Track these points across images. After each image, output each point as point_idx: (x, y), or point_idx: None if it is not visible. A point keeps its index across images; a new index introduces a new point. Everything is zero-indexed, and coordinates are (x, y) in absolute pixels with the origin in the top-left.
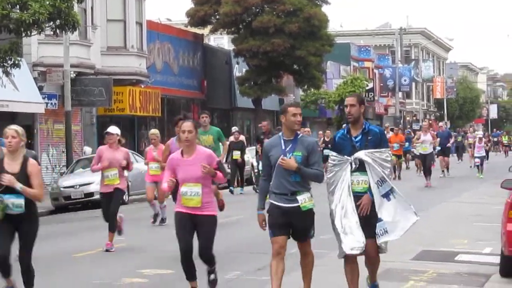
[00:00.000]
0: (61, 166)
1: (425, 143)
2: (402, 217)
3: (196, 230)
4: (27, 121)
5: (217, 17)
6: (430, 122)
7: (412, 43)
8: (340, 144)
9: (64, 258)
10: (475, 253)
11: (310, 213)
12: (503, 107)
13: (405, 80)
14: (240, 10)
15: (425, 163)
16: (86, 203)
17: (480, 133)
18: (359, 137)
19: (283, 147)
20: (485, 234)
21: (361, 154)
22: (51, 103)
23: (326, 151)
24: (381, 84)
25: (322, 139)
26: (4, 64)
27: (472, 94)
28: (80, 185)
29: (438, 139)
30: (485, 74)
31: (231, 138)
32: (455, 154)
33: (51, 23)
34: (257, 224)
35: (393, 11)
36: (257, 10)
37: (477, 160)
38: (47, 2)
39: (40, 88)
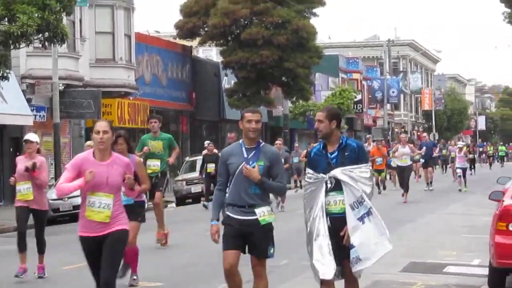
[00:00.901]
0: (49, 178)
1: (404, 155)
2: (376, 243)
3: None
4: (16, 134)
5: (206, 29)
6: (418, 133)
7: (400, 55)
8: (315, 160)
9: (54, 271)
10: (464, 264)
11: (269, 228)
12: (491, 118)
13: (393, 92)
14: (228, 22)
15: (403, 176)
16: (74, 215)
17: (460, 143)
18: (335, 153)
19: (245, 155)
20: (474, 245)
21: (337, 172)
22: (40, 115)
23: None
24: (370, 96)
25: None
26: None
27: (460, 105)
28: (69, 198)
29: (424, 148)
30: (473, 85)
31: (205, 151)
32: (437, 166)
33: (40, 35)
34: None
35: (381, 23)
36: (246, 22)
37: (459, 170)
38: (36, 15)
39: (29, 101)
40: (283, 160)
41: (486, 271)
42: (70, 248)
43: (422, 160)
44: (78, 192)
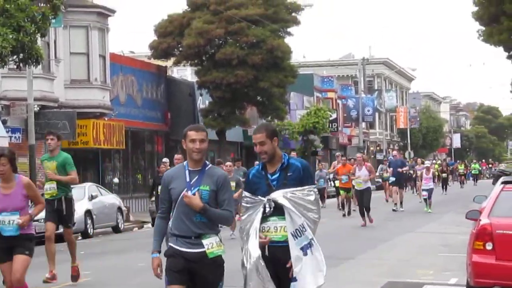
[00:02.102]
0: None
1: (360, 178)
2: (312, 278)
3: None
4: None
5: (180, 49)
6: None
7: (375, 73)
8: (254, 182)
9: None
10: (441, 284)
11: (218, 262)
12: (466, 136)
13: (368, 110)
14: (203, 42)
15: (361, 201)
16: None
17: (427, 163)
18: (277, 174)
19: (188, 179)
20: (451, 264)
21: (277, 195)
22: (15, 137)
23: None
24: (345, 115)
25: None
26: None
27: (435, 123)
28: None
29: (391, 169)
30: (448, 103)
31: (156, 171)
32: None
33: (15, 56)
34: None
35: (355, 41)
36: (220, 42)
37: (424, 193)
38: (10, 36)
39: (4, 122)
40: (234, 184)
41: None
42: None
43: (392, 179)
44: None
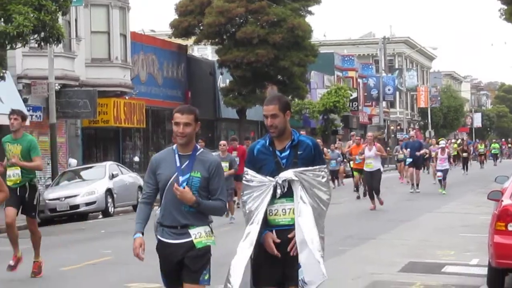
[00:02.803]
0: (46, 178)
1: (369, 159)
2: (318, 267)
3: None
4: None
5: (201, 28)
6: (414, 131)
7: (396, 52)
8: (259, 159)
9: (52, 272)
10: (462, 264)
11: (205, 251)
12: (487, 115)
13: (389, 90)
14: (224, 20)
15: (371, 183)
16: (71, 215)
17: (442, 143)
18: (287, 152)
19: (178, 164)
20: (472, 245)
21: (289, 175)
22: (36, 116)
23: None
24: (365, 94)
25: None
26: None
27: (456, 102)
28: (66, 198)
29: (408, 150)
30: (468, 82)
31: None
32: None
33: (36, 35)
34: (239, 237)
35: (376, 20)
36: (241, 20)
37: (439, 174)
38: (32, 15)
39: (25, 101)
40: (228, 165)
41: (484, 271)
42: (67, 248)
43: (409, 160)
44: (76, 192)
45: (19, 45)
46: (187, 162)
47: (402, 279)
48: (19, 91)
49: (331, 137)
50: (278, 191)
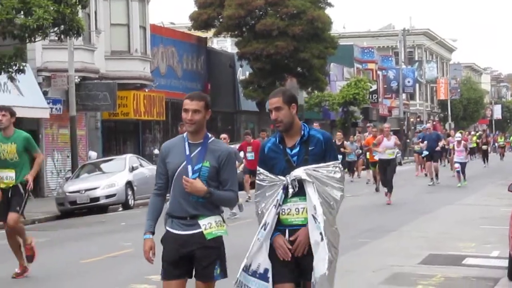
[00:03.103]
0: (66, 171)
1: (388, 149)
2: (326, 268)
3: None
4: (32, 126)
5: (221, 20)
6: (434, 123)
7: (416, 44)
8: (270, 158)
9: (72, 264)
10: (483, 256)
11: (216, 243)
12: (507, 107)
13: (408, 82)
14: (243, 13)
15: (385, 173)
16: (91, 208)
17: (458, 135)
18: (297, 149)
19: (188, 152)
20: (492, 237)
21: (300, 173)
22: (56, 108)
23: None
24: (385, 86)
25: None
26: (9, 69)
27: (476, 94)
28: (86, 190)
29: (425, 142)
30: (488, 74)
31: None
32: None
33: (56, 28)
34: None
35: (396, 12)
36: (261, 13)
37: (457, 165)
38: (51, 8)
39: (45, 93)
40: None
41: (505, 263)
42: (88, 241)
43: (425, 152)
44: (96, 185)
45: (39, 38)
46: (197, 151)
47: (422, 271)
48: (39, 84)
49: (351, 129)
50: (290, 190)
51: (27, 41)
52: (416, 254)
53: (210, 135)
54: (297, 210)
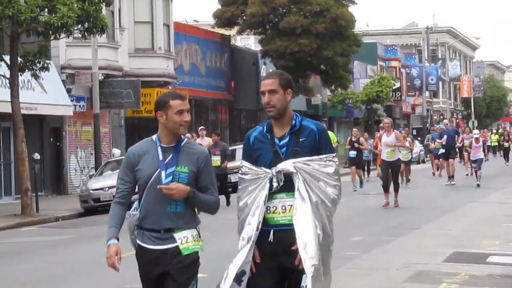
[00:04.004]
0: (89, 168)
1: (389, 147)
2: (323, 273)
3: None
4: (56, 124)
5: (244, 18)
6: (457, 121)
7: (439, 42)
8: (256, 148)
9: (95, 262)
10: (507, 254)
11: (192, 259)
12: None
13: (432, 79)
14: (267, 10)
15: (387, 175)
16: None
17: (476, 132)
18: (286, 139)
19: (161, 157)
20: None
21: (287, 166)
22: (80, 106)
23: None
24: (408, 84)
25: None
26: (33, 67)
27: (500, 92)
28: (109, 187)
29: (445, 137)
30: None
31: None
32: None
33: (80, 26)
34: None
35: (419, 10)
36: (284, 10)
37: (474, 165)
38: (76, 5)
39: (69, 91)
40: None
41: None
42: None
43: (441, 150)
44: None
45: (63, 35)
46: (171, 155)
47: (446, 269)
48: (63, 81)
49: (374, 126)
50: (274, 184)
51: (51, 38)
52: (440, 252)
53: (183, 136)
54: (283, 207)
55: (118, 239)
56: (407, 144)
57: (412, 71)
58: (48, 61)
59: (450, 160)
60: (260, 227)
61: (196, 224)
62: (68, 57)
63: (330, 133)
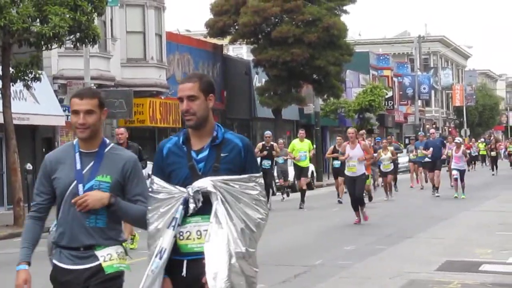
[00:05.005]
0: None
1: (352, 161)
2: None
3: None
4: (48, 134)
5: (236, 27)
6: (450, 129)
7: (431, 51)
8: (170, 163)
9: None
10: (500, 263)
11: (116, 275)
12: None
13: (424, 88)
14: (259, 20)
15: (353, 191)
16: None
17: (458, 139)
18: (205, 153)
19: (79, 166)
20: (509, 243)
21: (206, 184)
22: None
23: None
24: (401, 93)
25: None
26: (25, 77)
27: (492, 101)
28: None
29: (431, 149)
30: (504, 81)
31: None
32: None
33: (72, 36)
34: (283, 235)
35: (411, 19)
36: (276, 20)
37: (454, 172)
38: (68, 16)
39: (61, 101)
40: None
41: None
42: None
43: (427, 159)
44: None
45: (55, 46)
46: (91, 164)
47: (439, 278)
48: (55, 91)
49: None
50: (191, 206)
51: (43, 49)
52: (432, 261)
53: (108, 141)
54: (198, 233)
55: (29, 263)
56: (388, 155)
57: (404, 80)
58: (40, 72)
59: (436, 171)
60: (169, 256)
61: (121, 240)
62: (60, 67)
63: (307, 141)
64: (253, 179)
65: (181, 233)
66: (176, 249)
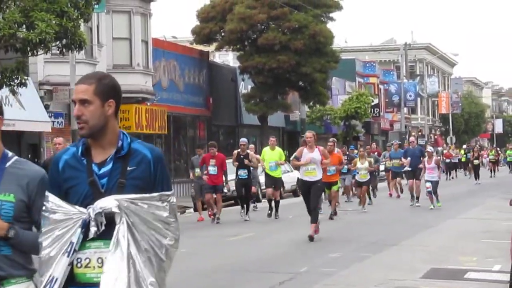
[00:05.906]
0: None
1: (310, 165)
2: None
3: None
4: (34, 140)
5: (223, 34)
6: (436, 137)
7: (417, 58)
8: (67, 177)
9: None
10: (485, 270)
11: None
12: (508, 121)
13: (410, 96)
14: (245, 27)
15: (307, 198)
16: None
17: (430, 148)
18: (108, 167)
19: None
20: (494, 251)
21: (110, 203)
22: (58, 122)
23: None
24: (387, 100)
25: None
26: (11, 83)
27: (477, 108)
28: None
29: (408, 159)
30: (490, 88)
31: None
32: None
33: (58, 42)
34: (267, 242)
35: (397, 26)
36: (263, 27)
37: (428, 185)
38: (54, 22)
39: (47, 107)
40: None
41: (507, 277)
42: None
43: (407, 169)
44: None
45: (41, 52)
46: None
47: (424, 285)
48: (41, 97)
49: (353, 142)
50: (92, 230)
51: (29, 54)
52: (417, 268)
53: (10, 153)
54: (100, 260)
55: None
56: (366, 165)
57: (390, 88)
58: (26, 77)
59: (416, 181)
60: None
61: (33, 272)
62: (46, 73)
63: (278, 149)
64: (164, 198)
65: (79, 260)
66: (72, 278)
